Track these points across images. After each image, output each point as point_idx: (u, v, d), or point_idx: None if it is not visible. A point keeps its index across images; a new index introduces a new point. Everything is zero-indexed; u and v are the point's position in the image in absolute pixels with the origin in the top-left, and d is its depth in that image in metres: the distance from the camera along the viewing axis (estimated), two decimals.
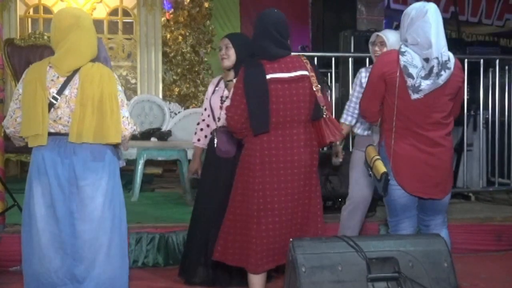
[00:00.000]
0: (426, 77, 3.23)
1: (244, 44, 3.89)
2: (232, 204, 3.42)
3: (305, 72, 3.35)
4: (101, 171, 3.09)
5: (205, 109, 4.13)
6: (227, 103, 3.70)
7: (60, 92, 3.02)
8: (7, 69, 7.24)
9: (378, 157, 3.36)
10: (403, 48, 3.30)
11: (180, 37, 9.27)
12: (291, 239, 2.80)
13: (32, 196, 3.07)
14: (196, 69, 9.31)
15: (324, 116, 3.36)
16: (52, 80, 3.03)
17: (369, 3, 9.32)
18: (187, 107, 8.97)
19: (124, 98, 3.16)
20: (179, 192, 6.81)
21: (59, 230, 3.05)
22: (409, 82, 3.25)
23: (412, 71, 3.24)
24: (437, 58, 3.20)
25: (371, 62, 4.96)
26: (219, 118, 3.97)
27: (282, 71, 3.30)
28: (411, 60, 3.25)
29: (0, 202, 4.70)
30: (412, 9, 3.31)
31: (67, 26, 3.05)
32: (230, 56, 3.92)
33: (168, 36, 9.25)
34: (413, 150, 3.33)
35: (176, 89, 9.25)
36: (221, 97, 4.00)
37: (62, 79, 3.04)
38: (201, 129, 4.15)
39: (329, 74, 6.20)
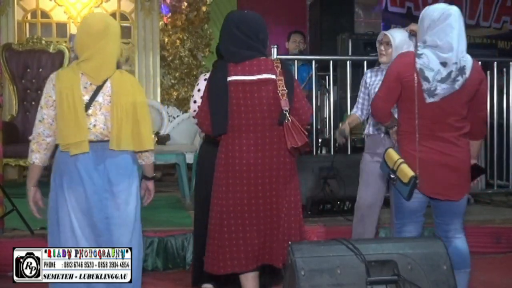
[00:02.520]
0: (443, 81, 3.22)
1: None
2: (210, 208, 3.43)
3: (271, 76, 3.29)
4: (132, 176, 3.16)
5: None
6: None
7: (92, 99, 3.03)
8: (5, 74, 7.25)
9: (402, 160, 3.31)
10: (420, 50, 3.28)
11: (178, 41, 9.27)
12: (290, 242, 2.80)
13: (65, 206, 3.05)
14: (194, 73, 9.32)
15: (286, 121, 3.26)
16: (85, 87, 3.03)
17: (366, 6, 9.36)
18: (185, 111, 8.96)
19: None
20: (177, 196, 6.81)
21: (96, 236, 3.07)
22: (425, 85, 3.24)
23: (428, 74, 3.23)
24: (456, 63, 3.20)
25: (370, 65, 4.97)
26: None
27: (245, 74, 3.28)
28: (428, 63, 3.24)
29: None
30: (435, 11, 3.29)
31: (97, 33, 3.03)
32: None
33: (166, 40, 9.25)
34: (429, 152, 3.30)
35: (174, 93, 9.25)
36: None
37: (94, 87, 3.04)
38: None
39: (327, 77, 6.22)
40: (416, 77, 3.25)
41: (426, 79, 3.23)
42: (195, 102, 4.03)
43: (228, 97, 3.25)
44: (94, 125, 3.03)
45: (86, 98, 3.02)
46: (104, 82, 3.05)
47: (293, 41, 7.07)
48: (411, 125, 3.34)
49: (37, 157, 3.05)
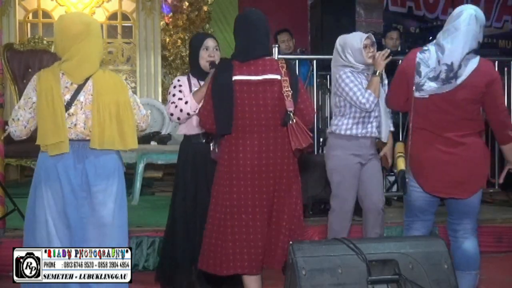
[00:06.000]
0: (433, 79, 3.22)
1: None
2: (209, 208, 3.42)
3: (276, 76, 3.28)
4: (112, 177, 3.12)
5: (186, 102, 3.83)
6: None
7: (73, 98, 3.03)
8: (6, 74, 7.25)
9: (401, 154, 3.38)
10: (427, 46, 3.31)
11: (179, 41, 9.27)
12: (290, 242, 2.80)
13: (41, 202, 3.06)
14: None
15: (291, 122, 3.25)
16: (66, 87, 3.04)
17: (368, 6, 9.34)
18: None
19: (137, 99, 3.24)
20: None
21: (70, 235, 3.07)
22: (416, 79, 3.27)
23: (423, 69, 3.25)
24: (446, 64, 3.18)
25: None
26: None
27: (250, 74, 3.27)
28: (427, 59, 3.25)
29: (0, 207, 4.70)
30: (454, 10, 3.29)
31: (77, 34, 3.03)
32: (217, 60, 3.88)
33: (167, 40, 9.26)
34: (432, 149, 3.31)
35: None
36: None
37: (75, 86, 3.05)
38: (186, 102, 3.83)
39: (328, 76, 6.20)
40: (413, 71, 3.29)
41: (419, 73, 3.26)
42: (176, 106, 3.85)
43: (233, 97, 3.24)
44: (75, 125, 3.04)
45: (67, 97, 3.02)
46: (86, 81, 3.05)
47: (282, 41, 7.09)
48: (415, 121, 3.37)
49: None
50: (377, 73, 3.96)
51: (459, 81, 3.20)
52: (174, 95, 3.90)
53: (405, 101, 3.43)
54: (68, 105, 3.02)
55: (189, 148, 3.96)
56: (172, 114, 3.87)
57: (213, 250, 3.34)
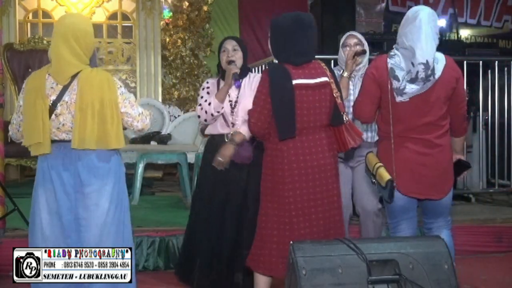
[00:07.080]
0: (412, 81, 3.24)
1: (246, 49, 3.99)
2: (262, 212, 3.40)
3: (327, 79, 3.36)
4: (106, 177, 3.10)
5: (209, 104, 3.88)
6: (248, 106, 3.52)
7: (59, 98, 3.02)
8: (6, 74, 7.26)
9: (380, 164, 3.36)
10: (393, 51, 3.35)
11: (179, 41, 9.28)
12: (291, 242, 2.79)
13: (38, 204, 3.08)
14: (196, 73, 9.32)
15: (345, 122, 3.37)
16: (51, 87, 3.04)
17: (368, 6, 9.34)
18: (187, 111, 8.96)
19: (131, 97, 3.17)
20: (179, 195, 6.81)
21: (64, 237, 3.07)
22: (395, 84, 3.28)
23: (399, 73, 3.27)
24: (423, 63, 3.20)
25: None
26: (233, 124, 3.88)
27: (307, 77, 3.31)
28: (399, 62, 3.28)
29: (0, 207, 4.70)
30: (409, 12, 3.35)
31: (53, 33, 3.10)
32: (238, 60, 3.91)
33: (168, 39, 9.26)
34: (407, 152, 3.34)
35: (176, 93, 9.25)
36: (230, 101, 3.90)
37: (61, 86, 3.05)
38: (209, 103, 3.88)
39: None
40: (388, 78, 3.30)
41: (396, 77, 3.27)
42: (202, 108, 3.88)
43: (295, 101, 3.26)
44: (63, 124, 3.03)
45: (53, 98, 3.03)
46: (72, 80, 3.04)
47: None
48: (388, 128, 3.38)
49: None
50: (345, 74, 3.96)
51: (436, 77, 3.25)
52: (202, 97, 3.96)
53: (375, 111, 3.44)
54: (54, 106, 3.02)
55: (212, 147, 3.98)
56: (199, 117, 3.94)
57: (282, 255, 3.24)
